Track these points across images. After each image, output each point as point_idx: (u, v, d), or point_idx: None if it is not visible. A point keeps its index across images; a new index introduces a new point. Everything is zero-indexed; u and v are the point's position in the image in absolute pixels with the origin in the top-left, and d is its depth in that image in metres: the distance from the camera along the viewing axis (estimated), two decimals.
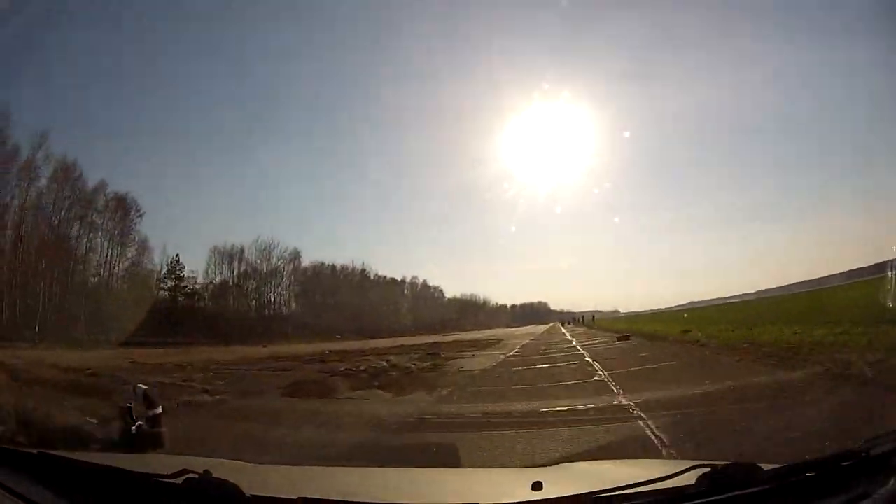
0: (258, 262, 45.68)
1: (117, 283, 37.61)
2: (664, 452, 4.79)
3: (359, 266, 52.62)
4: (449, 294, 62.15)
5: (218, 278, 43.96)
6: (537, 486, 1.64)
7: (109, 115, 48.49)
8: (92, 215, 36.03)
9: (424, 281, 57.82)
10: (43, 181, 32.97)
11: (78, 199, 35.15)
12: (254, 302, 45.75)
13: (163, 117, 55.07)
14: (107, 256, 37.38)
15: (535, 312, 78.85)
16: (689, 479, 1.54)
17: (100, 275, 36.89)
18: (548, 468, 2.52)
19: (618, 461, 3.39)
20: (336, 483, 2.30)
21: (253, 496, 1.43)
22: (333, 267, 50.90)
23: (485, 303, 69.94)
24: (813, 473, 1.56)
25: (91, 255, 36.61)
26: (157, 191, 59.64)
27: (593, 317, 61.64)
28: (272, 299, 46.77)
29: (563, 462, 3.04)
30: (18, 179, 31.58)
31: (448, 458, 4.82)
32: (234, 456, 2.76)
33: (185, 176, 56.16)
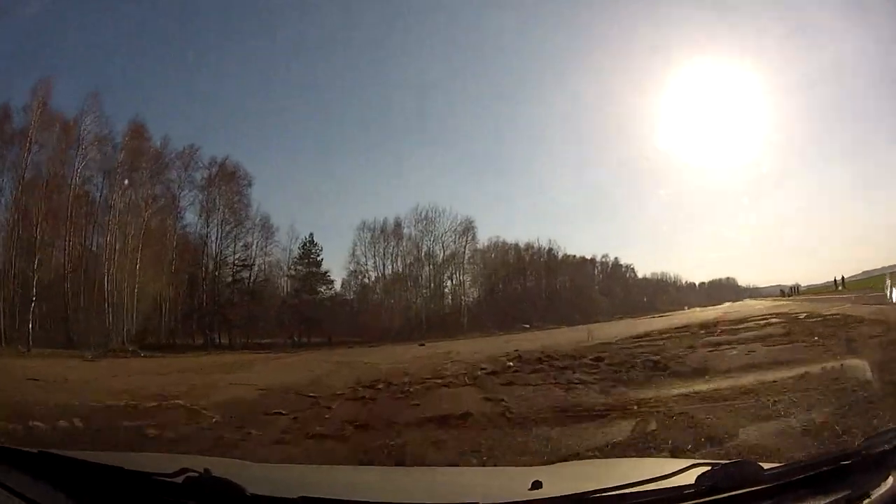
0: (419, 236, 35.91)
1: (238, 274, 31.07)
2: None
3: (545, 244, 42.45)
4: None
5: (370, 261, 34.40)
6: (536, 484, 1.66)
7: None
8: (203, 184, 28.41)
9: (616, 259, 53.61)
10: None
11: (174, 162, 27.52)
12: (424, 289, 35.94)
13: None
14: (217, 236, 29.79)
15: (723, 289, 68.77)
16: (688, 478, 1.53)
17: (216, 263, 30.38)
18: (547, 467, 2.54)
19: (617, 460, 3.44)
20: (337, 482, 2.31)
21: (253, 495, 1.44)
22: (517, 245, 41.66)
23: (675, 281, 63.30)
24: (813, 472, 1.55)
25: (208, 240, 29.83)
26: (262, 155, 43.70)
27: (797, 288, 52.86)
28: (442, 284, 37.35)
29: (562, 462, 3.06)
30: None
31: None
32: (235, 455, 2.77)
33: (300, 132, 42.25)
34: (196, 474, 1.49)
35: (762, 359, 9.88)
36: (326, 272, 34.13)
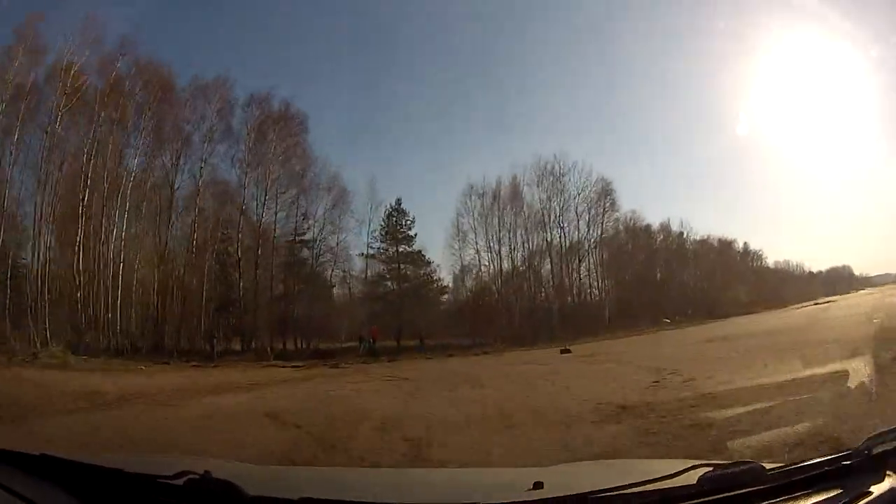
0: (545, 200, 26.69)
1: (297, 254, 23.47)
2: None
3: (676, 226, 37.03)
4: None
5: (480, 237, 25.39)
6: (538, 485, 1.66)
7: None
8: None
9: (746, 244, 46.48)
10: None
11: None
12: (554, 275, 27.10)
13: None
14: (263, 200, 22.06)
15: (840, 278, 59.65)
16: (690, 478, 1.54)
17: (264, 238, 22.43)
18: (549, 468, 2.52)
19: (619, 461, 3.43)
20: (337, 483, 2.32)
21: (254, 496, 1.45)
22: (648, 226, 34.04)
23: (798, 270, 55.84)
24: (814, 473, 1.57)
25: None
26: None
27: None
28: (578, 266, 28.29)
29: (564, 462, 3.02)
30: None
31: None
32: (236, 457, 2.79)
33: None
34: (197, 476, 1.51)
35: None
36: (420, 251, 24.93)
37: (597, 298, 29.73)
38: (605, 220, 29.20)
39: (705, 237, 40.70)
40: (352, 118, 33.14)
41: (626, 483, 1.51)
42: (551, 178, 27.22)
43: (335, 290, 24.66)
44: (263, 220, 22.63)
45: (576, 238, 27.99)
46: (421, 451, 5.52)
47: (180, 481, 1.50)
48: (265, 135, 22.60)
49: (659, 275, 35.65)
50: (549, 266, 27.28)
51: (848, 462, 1.57)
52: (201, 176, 21.88)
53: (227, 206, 22.77)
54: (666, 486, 1.52)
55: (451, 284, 26.49)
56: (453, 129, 34.50)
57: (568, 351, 17.28)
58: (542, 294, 27.31)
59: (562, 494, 1.55)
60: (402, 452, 5.58)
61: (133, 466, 1.72)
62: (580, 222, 27.69)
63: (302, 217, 23.25)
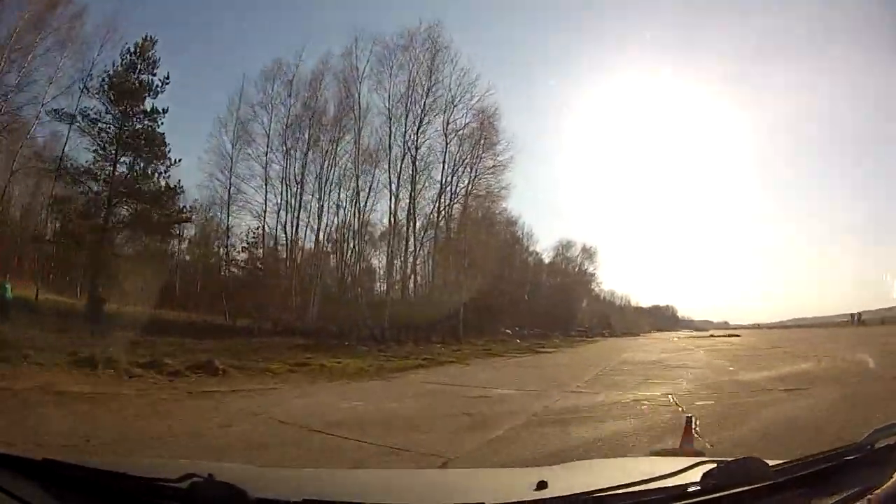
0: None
1: None
2: None
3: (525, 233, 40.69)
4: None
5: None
6: (542, 485, 1.65)
7: None
8: None
9: (582, 265, 50.07)
10: None
11: None
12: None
13: None
14: None
15: (664, 316, 68.62)
16: (694, 475, 1.53)
17: None
18: (552, 467, 2.48)
19: (622, 459, 3.42)
20: (340, 485, 2.31)
21: (257, 499, 1.45)
22: (508, 219, 37.23)
23: (625, 300, 61.18)
24: (818, 468, 1.56)
25: None
26: None
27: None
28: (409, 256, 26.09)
29: (566, 461, 2.99)
30: None
31: None
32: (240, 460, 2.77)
33: None
34: (200, 479, 1.49)
35: None
36: (165, 154, 16.58)
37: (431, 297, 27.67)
38: (484, 144, 28.86)
39: (559, 252, 46.28)
40: None
41: (630, 481, 1.51)
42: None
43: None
44: None
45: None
46: None
47: (184, 484, 1.49)
48: None
49: (510, 282, 36.47)
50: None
51: (852, 457, 1.57)
52: None
53: None
54: (670, 484, 1.52)
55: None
56: None
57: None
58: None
59: (566, 494, 1.54)
60: None
61: (136, 470, 1.71)
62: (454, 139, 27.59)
63: None
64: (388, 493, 2.10)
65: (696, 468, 1.57)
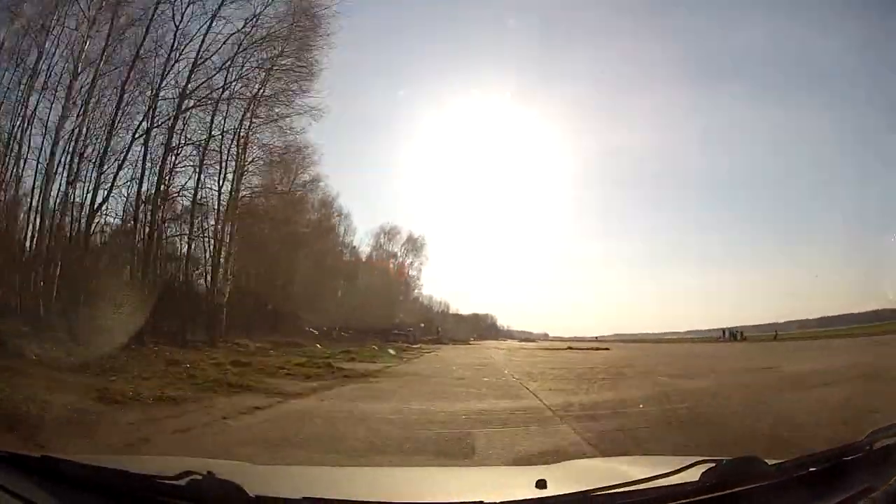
0: None
1: None
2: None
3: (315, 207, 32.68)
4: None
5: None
6: (541, 483, 1.64)
7: None
8: None
9: (401, 263, 43.94)
10: None
11: None
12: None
13: None
14: None
15: (485, 325, 72.09)
16: (693, 474, 1.54)
17: None
18: (552, 466, 2.53)
19: (621, 458, 3.45)
20: (340, 483, 2.31)
21: (256, 496, 1.44)
22: (299, 196, 28.65)
23: (444, 305, 59.54)
24: (817, 468, 1.57)
25: None
26: None
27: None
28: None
29: (566, 460, 3.10)
30: None
31: None
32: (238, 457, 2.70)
33: None
34: (199, 477, 1.49)
35: None
36: None
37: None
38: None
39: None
40: None
41: (630, 480, 1.52)
42: None
43: None
44: None
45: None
46: None
47: (183, 482, 1.49)
48: None
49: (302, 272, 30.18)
50: None
51: (851, 457, 1.58)
52: None
53: None
54: (669, 483, 1.52)
55: None
56: None
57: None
58: None
59: (565, 492, 1.54)
60: None
61: (135, 467, 1.73)
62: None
63: None
64: (387, 491, 2.11)
65: (695, 467, 1.57)
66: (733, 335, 52.54)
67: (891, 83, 43.99)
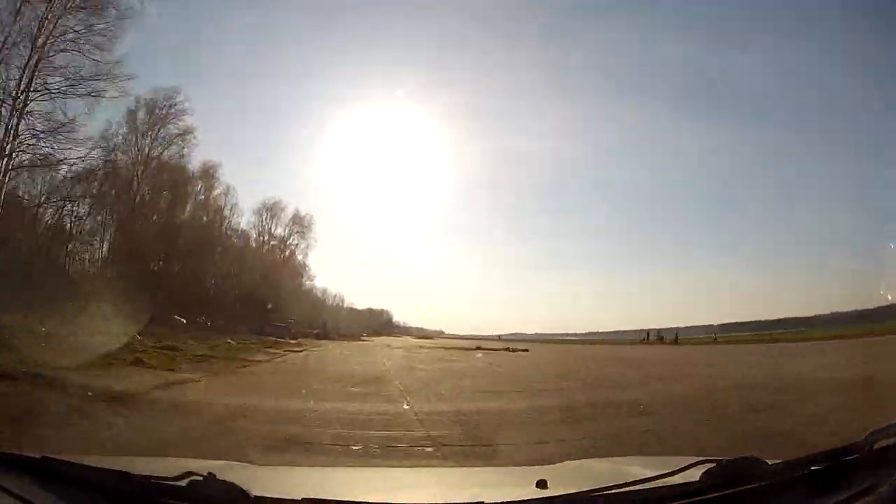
0: None
1: None
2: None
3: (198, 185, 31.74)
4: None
5: None
6: (542, 483, 1.65)
7: None
8: None
9: (293, 253, 42.02)
10: None
11: None
12: None
13: None
14: None
15: (380, 321, 72.15)
16: (693, 474, 1.54)
17: None
18: (552, 466, 2.51)
19: (621, 458, 3.44)
20: (340, 483, 2.32)
21: (257, 497, 1.43)
22: (187, 171, 28.83)
23: (338, 299, 56.69)
24: (818, 467, 1.58)
25: None
26: None
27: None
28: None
29: (567, 460, 3.07)
30: None
31: None
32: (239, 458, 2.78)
33: None
34: (200, 478, 1.48)
35: None
36: None
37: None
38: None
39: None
40: None
41: (631, 480, 1.51)
42: None
43: None
44: None
45: None
46: None
47: (183, 482, 1.48)
48: None
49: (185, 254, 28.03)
50: None
51: (852, 457, 1.58)
52: None
53: None
54: (669, 483, 1.52)
55: None
56: None
57: None
58: None
59: (566, 492, 1.53)
60: None
61: (136, 468, 1.72)
62: None
63: None
64: (387, 491, 2.12)
65: (695, 467, 1.57)
66: (660, 337, 52.62)
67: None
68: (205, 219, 32.58)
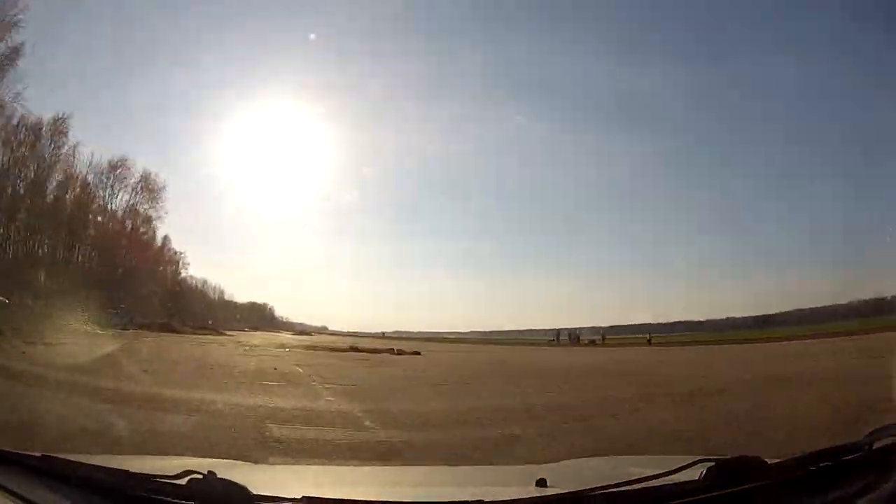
0: None
1: None
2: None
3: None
4: None
5: None
6: (541, 482, 1.66)
7: None
8: None
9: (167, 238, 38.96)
10: None
11: None
12: None
13: None
14: None
15: (261, 315, 70.04)
16: (693, 473, 1.53)
17: None
18: (551, 465, 2.51)
19: (621, 457, 3.49)
20: (339, 482, 2.31)
21: (257, 496, 1.43)
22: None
23: (218, 291, 56.03)
24: (818, 466, 1.58)
25: None
26: None
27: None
28: None
29: (566, 459, 3.05)
30: None
31: None
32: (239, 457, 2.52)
33: None
34: (200, 476, 1.48)
35: None
36: None
37: None
38: None
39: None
40: None
41: (631, 479, 1.50)
42: None
43: None
44: None
45: None
46: None
47: (183, 481, 1.48)
48: None
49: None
50: None
51: (852, 456, 1.59)
52: None
53: None
54: (669, 482, 1.51)
55: None
56: None
57: None
58: None
59: (565, 491, 1.52)
60: None
61: (136, 467, 1.70)
62: None
63: None
64: (387, 491, 2.12)
65: (695, 466, 1.56)
66: (575, 337, 47.55)
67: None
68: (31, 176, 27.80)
